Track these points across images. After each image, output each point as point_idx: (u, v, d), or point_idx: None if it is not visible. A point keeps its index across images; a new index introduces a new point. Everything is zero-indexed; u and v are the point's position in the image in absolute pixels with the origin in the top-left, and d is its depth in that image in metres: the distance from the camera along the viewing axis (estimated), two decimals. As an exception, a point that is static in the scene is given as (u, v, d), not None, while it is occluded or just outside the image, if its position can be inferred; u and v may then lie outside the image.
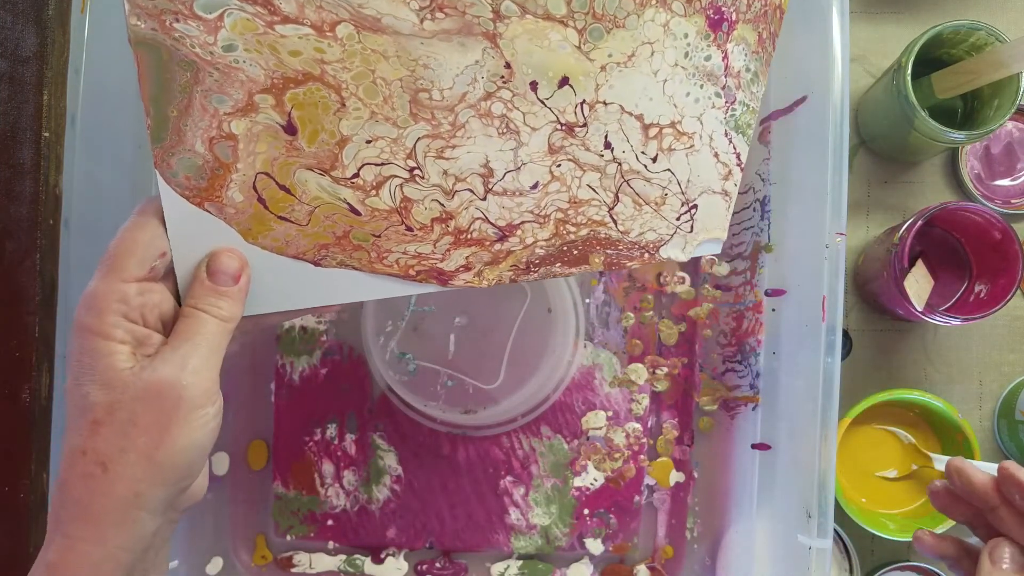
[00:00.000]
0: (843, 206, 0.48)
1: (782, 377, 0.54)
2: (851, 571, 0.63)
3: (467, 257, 0.45)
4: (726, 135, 0.48)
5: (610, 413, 0.63)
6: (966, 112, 0.63)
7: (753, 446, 0.55)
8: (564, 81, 0.43)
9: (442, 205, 0.44)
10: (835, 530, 0.63)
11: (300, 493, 0.64)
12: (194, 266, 0.40)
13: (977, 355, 0.67)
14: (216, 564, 0.63)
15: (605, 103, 0.44)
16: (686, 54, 0.45)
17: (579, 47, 0.43)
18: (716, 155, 0.48)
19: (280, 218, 0.41)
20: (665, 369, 0.63)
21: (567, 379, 0.63)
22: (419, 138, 0.42)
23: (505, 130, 0.43)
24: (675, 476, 0.63)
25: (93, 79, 0.48)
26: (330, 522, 0.63)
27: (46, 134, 0.51)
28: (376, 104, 0.41)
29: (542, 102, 0.43)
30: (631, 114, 0.45)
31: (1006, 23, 0.67)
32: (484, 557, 0.64)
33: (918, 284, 0.61)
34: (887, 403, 0.62)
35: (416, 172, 0.43)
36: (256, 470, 0.64)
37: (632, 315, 0.63)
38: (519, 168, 0.44)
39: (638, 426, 0.63)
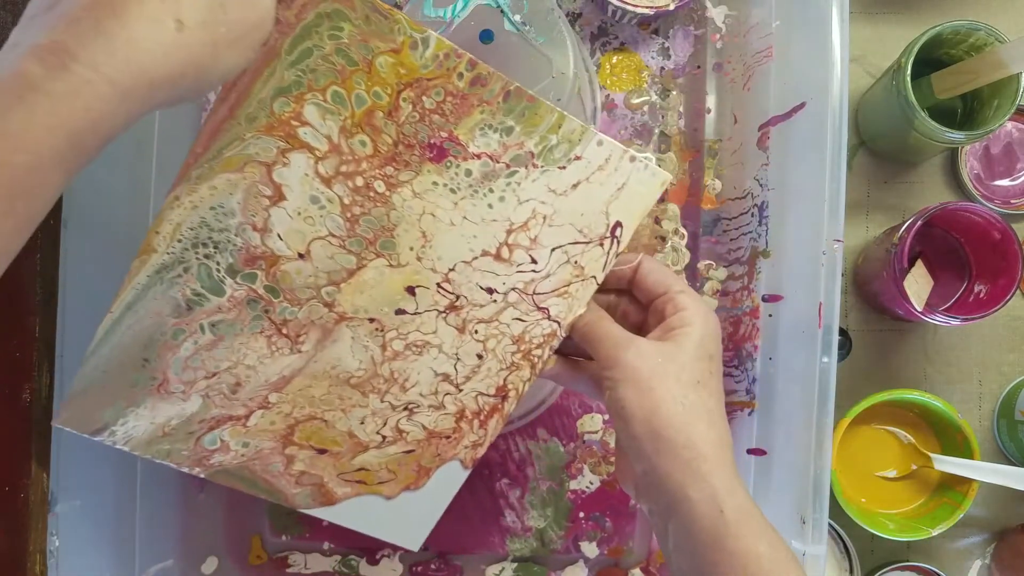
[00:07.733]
0: (840, 212, 0.48)
1: (778, 382, 0.53)
2: (851, 571, 0.63)
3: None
4: (562, 168, 0.45)
5: (606, 416, 0.63)
6: (966, 112, 0.62)
7: (748, 451, 0.55)
8: (411, 290, 0.46)
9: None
10: (835, 530, 0.63)
11: (298, 493, 0.64)
12: None
13: (977, 355, 0.67)
14: (211, 564, 0.63)
15: (451, 270, 0.46)
16: (451, 189, 0.44)
17: (392, 264, 0.45)
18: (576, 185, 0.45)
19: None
20: (663, 370, 0.62)
21: (565, 380, 0.63)
22: (396, 404, 0.49)
23: (418, 349, 0.48)
24: (673, 477, 0.63)
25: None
26: (326, 523, 0.64)
27: (43, 136, 0.51)
28: (349, 404, 0.49)
29: (416, 313, 0.47)
30: (474, 256, 0.46)
31: (1006, 23, 0.66)
32: (479, 559, 0.64)
33: (918, 284, 0.61)
34: (887, 403, 0.62)
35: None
36: (255, 470, 0.64)
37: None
38: (458, 358, 0.48)
39: (636, 427, 0.63)
